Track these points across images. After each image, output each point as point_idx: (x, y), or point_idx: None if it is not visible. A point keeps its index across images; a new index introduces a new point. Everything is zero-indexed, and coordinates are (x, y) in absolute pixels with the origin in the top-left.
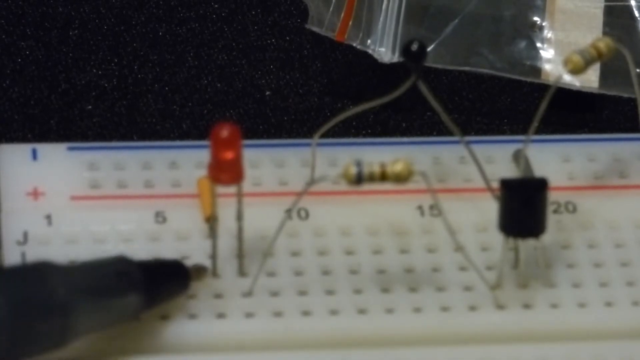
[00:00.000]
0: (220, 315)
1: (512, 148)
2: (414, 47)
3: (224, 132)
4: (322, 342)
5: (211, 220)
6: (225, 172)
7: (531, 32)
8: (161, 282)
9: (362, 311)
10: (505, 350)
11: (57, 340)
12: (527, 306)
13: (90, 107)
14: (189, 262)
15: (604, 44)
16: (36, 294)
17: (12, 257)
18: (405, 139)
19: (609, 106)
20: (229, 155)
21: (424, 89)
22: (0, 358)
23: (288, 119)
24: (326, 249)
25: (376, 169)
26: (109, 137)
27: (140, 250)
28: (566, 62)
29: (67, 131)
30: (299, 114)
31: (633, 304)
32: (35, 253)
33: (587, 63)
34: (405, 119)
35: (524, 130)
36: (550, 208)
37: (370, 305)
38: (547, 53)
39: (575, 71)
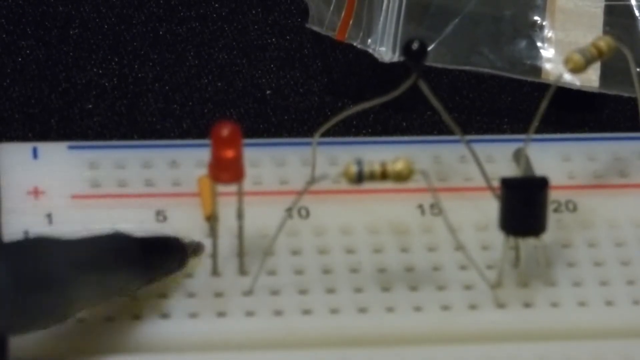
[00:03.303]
0: (221, 314)
1: (512, 147)
2: (415, 45)
3: (225, 130)
4: (323, 340)
5: (211, 219)
6: (226, 170)
7: (531, 31)
8: (159, 258)
9: (362, 310)
10: (506, 349)
11: (58, 314)
12: (527, 305)
13: (90, 106)
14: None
15: (605, 42)
16: (38, 267)
17: None
18: (405, 138)
19: (609, 106)
20: (229, 153)
21: (424, 87)
22: (3, 330)
23: (288, 118)
24: (327, 247)
25: (377, 168)
26: (110, 136)
27: None
28: (567, 61)
29: (67, 130)
30: (300, 113)
31: (633, 302)
32: None
33: (588, 62)
34: (406, 119)
35: (524, 130)
36: (550, 207)
37: (371, 304)
38: (547, 52)
39: (576, 70)
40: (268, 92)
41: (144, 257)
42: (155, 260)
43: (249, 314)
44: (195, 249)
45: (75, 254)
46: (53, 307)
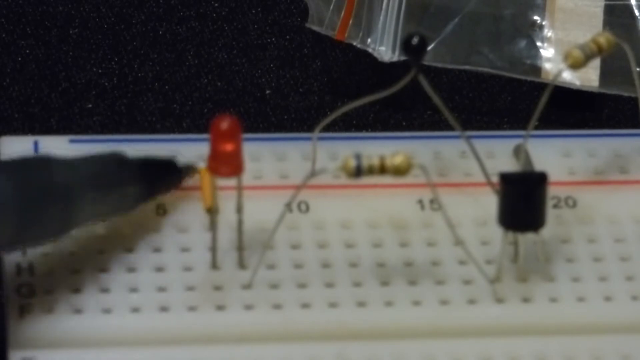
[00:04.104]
0: (220, 307)
1: (512, 143)
2: (415, 40)
3: (224, 124)
4: (321, 334)
5: (211, 211)
6: (225, 164)
7: (531, 31)
8: (157, 176)
9: (361, 304)
10: (504, 344)
11: (59, 228)
12: (526, 300)
13: (90, 105)
14: (189, 255)
15: (605, 38)
16: (41, 181)
17: None
18: (406, 133)
19: (609, 105)
20: (228, 147)
21: (424, 82)
22: (6, 243)
23: (288, 117)
24: (326, 242)
25: (375, 162)
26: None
27: None
28: (566, 57)
29: (67, 130)
30: (299, 112)
31: (632, 298)
32: None
33: (587, 58)
34: (406, 118)
35: (524, 129)
36: (550, 203)
37: (370, 298)
38: (547, 52)
39: (576, 66)
40: (268, 91)
41: (143, 174)
42: (153, 177)
43: (248, 307)
44: (188, 170)
45: (77, 169)
46: (56, 223)
